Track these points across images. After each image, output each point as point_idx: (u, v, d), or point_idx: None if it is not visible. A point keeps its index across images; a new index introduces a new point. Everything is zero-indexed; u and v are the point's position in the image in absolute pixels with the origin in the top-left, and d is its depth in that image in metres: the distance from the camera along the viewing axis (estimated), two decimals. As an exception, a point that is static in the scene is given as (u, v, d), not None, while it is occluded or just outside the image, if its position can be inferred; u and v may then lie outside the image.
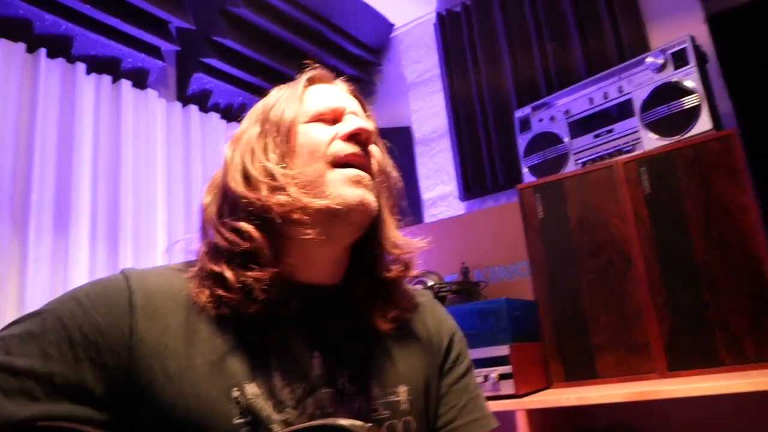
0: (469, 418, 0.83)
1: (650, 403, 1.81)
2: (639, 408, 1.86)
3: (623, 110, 1.88)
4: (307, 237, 0.71)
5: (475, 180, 2.58)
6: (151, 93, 2.24)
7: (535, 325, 1.86)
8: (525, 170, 2.09)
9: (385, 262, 0.81)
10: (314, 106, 0.79)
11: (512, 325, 1.74)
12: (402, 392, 0.77)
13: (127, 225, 2.01)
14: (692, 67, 1.75)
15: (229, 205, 0.75)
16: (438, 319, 0.89)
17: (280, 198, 0.71)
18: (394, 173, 0.85)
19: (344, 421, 0.59)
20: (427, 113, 2.86)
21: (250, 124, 0.80)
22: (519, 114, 2.16)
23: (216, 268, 0.70)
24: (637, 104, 1.85)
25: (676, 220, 1.67)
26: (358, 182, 0.74)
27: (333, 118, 0.79)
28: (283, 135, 0.75)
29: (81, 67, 2.01)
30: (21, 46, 1.86)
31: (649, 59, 1.84)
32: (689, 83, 1.74)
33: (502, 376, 1.64)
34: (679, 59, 1.79)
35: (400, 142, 2.79)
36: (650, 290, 1.68)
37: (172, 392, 0.64)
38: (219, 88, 2.48)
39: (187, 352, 0.66)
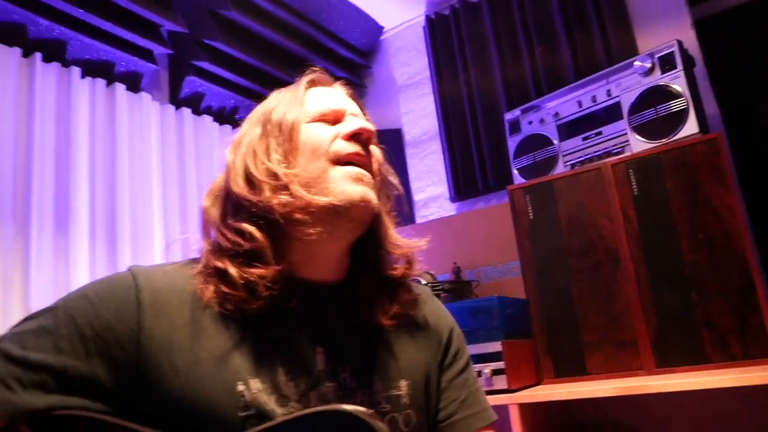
0: (469, 411, 0.85)
1: (638, 399, 1.86)
2: (628, 404, 1.90)
3: (611, 113, 1.93)
4: (309, 237, 0.74)
5: (465, 181, 2.61)
6: (144, 96, 2.24)
7: (526, 322, 1.90)
8: (515, 172, 2.13)
9: (388, 260, 0.84)
10: (316, 107, 0.81)
11: (504, 322, 1.78)
12: (403, 387, 0.79)
13: (124, 224, 2.02)
14: (679, 71, 1.80)
15: (231, 207, 0.77)
16: (437, 315, 0.91)
17: (282, 198, 0.72)
18: (392, 177, 0.87)
19: (348, 407, 0.61)
20: (418, 115, 2.89)
21: (250, 127, 0.82)
22: (509, 116, 2.20)
23: (220, 265, 0.72)
24: (625, 107, 1.89)
25: (663, 221, 1.72)
26: (359, 180, 0.76)
27: (334, 118, 0.81)
28: (285, 134, 0.77)
29: (75, 71, 2.01)
30: (17, 51, 1.87)
31: (637, 63, 1.88)
32: (676, 87, 1.79)
33: (495, 372, 1.68)
34: (666, 63, 1.83)
35: (390, 144, 2.82)
36: (638, 289, 1.73)
37: (179, 386, 0.66)
38: (211, 91, 2.49)
39: (193, 348, 0.69)
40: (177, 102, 2.41)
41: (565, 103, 2.06)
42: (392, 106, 2.98)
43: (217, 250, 0.75)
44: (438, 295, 2.07)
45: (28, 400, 0.63)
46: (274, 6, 2.49)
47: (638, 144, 1.84)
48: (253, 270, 0.71)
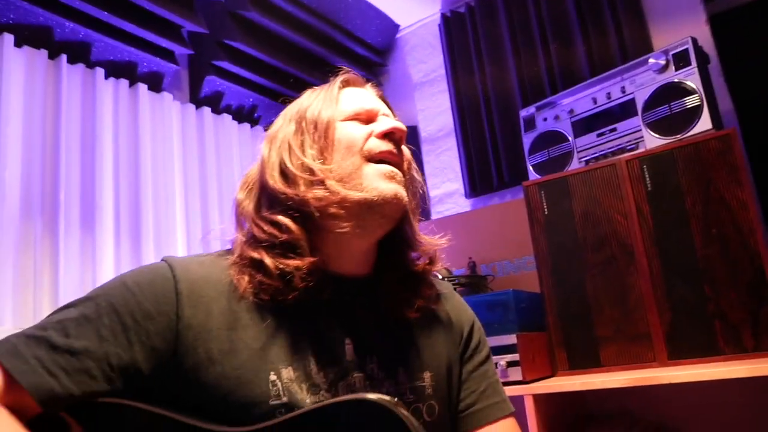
0: (489, 402, 0.88)
1: (652, 391, 1.89)
2: (641, 395, 1.93)
3: (626, 110, 1.94)
4: (342, 230, 0.76)
5: (480, 178, 2.64)
6: (166, 96, 2.30)
7: (541, 316, 1.93)
8: (530, 168, 2.15)
9: (412, 256, 0.87)
10: (350, 106, 0.83)
11: (519, 315, 1.81)
12: (426, 378, 0.82)
13: (147, 221, 2.08)
14: (693, 67, 1.81)
15: (266, 199, 0.80)
16: (458, 309, 0.95)
17: (318, 192, 0.75)
18: (417, 175, 0.90)
19: (373, 396, 0.63)
20: (433, 112, 2.93)
21: (285, 123, 0.85)
22: (524, 113, 2.22)
23: (256, 256, 0.75)
24: (639, 104, 1.91)
25: (676, 216, 1.73)
26: (392, 177, 0.79)
27: (367, 118, 0.84)
28: (320, 131, 0.80)
29: (100, 72, 2.07)
30: (43, 53, 1.93)
31: (651, 60, 1.90)
32: (690, 83, 1.80)
33: (510, 364, 1.71)
34: (680, 60, 1.84)
35: (406, 141, 2.85)
36: (651, 283, 1.75)
37: (215, 374, 0.69)
38: (230, 90, 2.54)
39: (229, 337, 0.72)
40: (197, 101, 2.46)
41: (580, 100, 2.07)
42: (408, 104, 3.01)
43: (253, 242, 0.78)
44: (454, 290, 2.11)
45: (71, 387, 0.65)
46: (292, 6, 2.54)
47: (652, 140, 1.86)
48: (289, 261, 0.74)
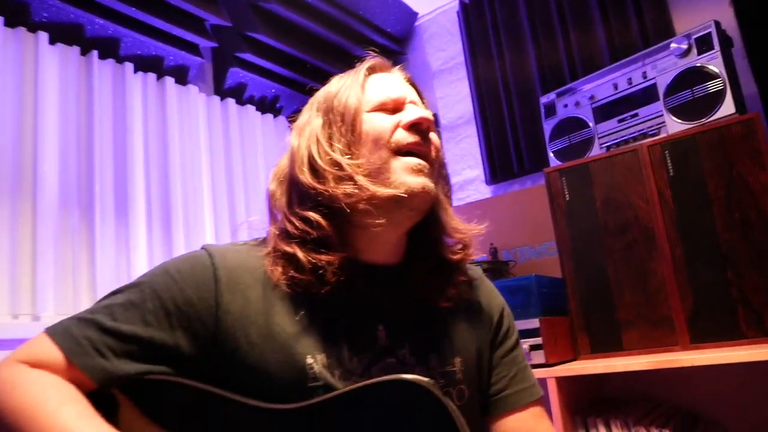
0: (518, 387, 0.89)
1: (673, 375, 1.91)
2: (662, 379, 1.95)
3: (647, 95, 1.95)
4: (371, 224, 0.77)
5: (501, 164, 2.66)
6: (192, 88, 2.35)
7: (563, 301, 1.95)
8: (550, 154, 2.17)
9: (447, 244, 0.87)
10: (376, 96, 0.83)
11: (542, 300, 1.84)
12: (457, 363, 0.83)
13: (177, 210, 2.14)
14: (716, 51, 1.81)
15: (297, 194, 0.81)
16: (489, 297, 0.96)
17: (347, 188, 0.76)
18: (445, 160, 0.90)
19: (408, 376, 0.64)
20: (453, 100, 2.94)
21: (313, 115, 0.84)
22: (544, 100, 2.24)
23: (289, 250, 0.77)
24: (661, 89, 1.91)
25: (699, 201, 1.75)
26: (419, 171, 0.79)
27: (394, 107, 0.83)
28: (348, 124, 0.80)
29: (129, 66, 2.13)
30: (75, 50, 1.99)
31: (673, 45, 1.90)
32: (713, 68, 1.80)
33: (533, 347, 1.75)
34: (703, 44, 1.84)
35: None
36: (673, 268, 1.77)
37: (254, 357, 0.72)
38: (253, 81, 2.59)
39: (266, 323, 0.74)
40: (221, 93, 2.51)
41: (601, 86, 2.08)
42: (427, 91, 3.03)
43: (286, 236, 0.79)
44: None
45: (120, 366, 0.70)
46: (311, -4, 2.57)
47: (674, 125, 1.86)
48: (321, 256, 0.76)
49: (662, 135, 1.88)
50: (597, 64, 2.33)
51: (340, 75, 0.88)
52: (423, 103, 0.89)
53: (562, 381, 1.71)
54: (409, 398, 0.64)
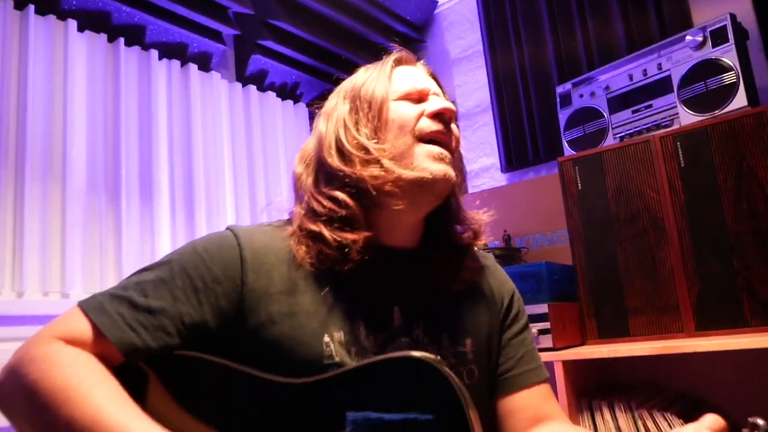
0: (525, 368, 0.93)
1: (678, 361, 1.95)
2: (668, 365, 1.99)
3: (662, 86, 1.96)
4: (396, 206, 0.81)
5: (516, 153, 2.69)
6: (214, 75, 2.42)
7: (572, 287, 1.99)
8: (565, 144, 2.19)
9: (459, 231, 0.92)
10: (402, 86, 0.87)
11: (551, 286, 1.89)
12: (468, 344, 0.87)
13: (200, 194, 2.23)
14: (731, 44, 1.82)
15: (324, 175, 0.85)
16: (499, 280, 1.00)
17: (373, 171, 0.80)
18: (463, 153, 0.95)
19: (417, 354, 0.67)
20: (470, 88, 2.97)
21: (340, 102, 0.88)
22: (560, 90, 2.26)
23: (315, 228, 0.81)
24: (675, 81, 1.93)
25: (708, 192, 1.77)
26: (441, 159, 0.83)
27: (419, 97, 0.87)
28: (375, 111, 0.84)
29: (154, 53, 2.20)
30: (103, 37, 2.06)
31: (689, 37, 1.91)
32: (727, 60, 1.81)
33: (542, 332, 1.80)
34: (718, 37, 1.85)
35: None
36: (682, 257, 1.80)
37: (276, 333, 0.76)
38: (275, 68, 2.65)
39: (288, 301, 0.78)
40: (243, 79, 2.58)
41: (616, 77, 2.10)
42: (445, 79, 3.04)
43: (312, 215, 0.83)
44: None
45: (149, 341, 0.73)
46: (332, -16, 2.61)
47: (687, 117, 1.88)
48: (347, 234, 0.79)
49: (675, 126, 1.90)
50: (614, 54, 2.34)
51: (366, 66, 0.92)
52: (444, 95, 0.92)
53: (568, 364, 1.77)
54: (418, 374, 0.67)
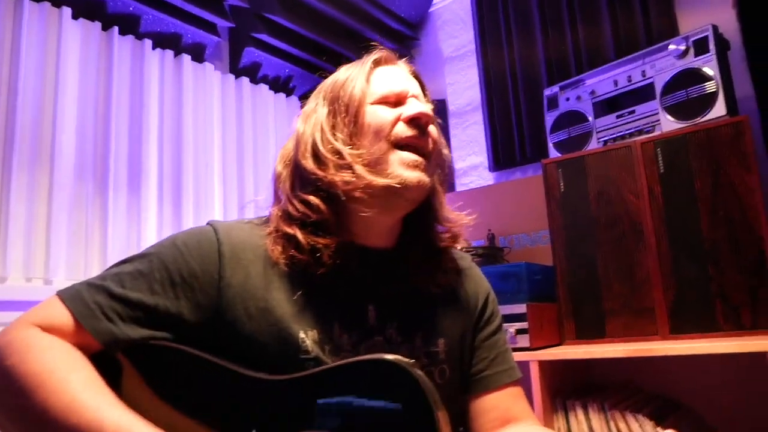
0: (497, 369, 0.95)
1: (654, 363, 1.99)
2: (644, 367, 2.04)
3: (645, 93, 2.00)
4: (365, 213, 0.82)
5: (504, 152, 2.72)
6: (207, 66, 2.44)
7: (552, 288, 2.03)
8: (550, 146, 2.23)
9: (438, 231, 0.93)
10: (380, 89, 0.87)
11: (530, 286, 1.93)
12: (440, 344, 0.89)
13: (188, 185, 2.24)
14: (712, 54, 1.86)
15: (300, 177, 0.86)
16: (476, 282, 1.01)
17: (345, 176, 0.80)
18: (446, 151, 0.94)
19: (390, 356, 0.68)
20: (462, 87, 3.00)
21: (319, 103, 0.89)
22: (548, 92, 2.29)
23: (289, 231, 0.82)
24: (658, 88, 1.96)
25: (686, 198, 1.81)
26: (415, 166, 0.83)
27: (396, 100, 0.87)
28: (351, 116, 0.84)
29: (147, 43, 2.22)
30: (97, 25, 2.08)
31: (672, 46, 1.94)
32: (708, 70, 1.85)
33: (519, 331, 1.84)
34: (700, 47, 1.89)
35: (435, 113, 2.94)
36: (659, 261, 1.84)
37: (251, 329, 0.78)
38: (268, 61, 2.66)
39: (264, 297, 0.80)
40: (236, 71, 2.60)
41: (602, 82, 2.13)
42: (438, 77, 3.08)
43: (287, 217, 0.84)
44: (472, 261, 2.23)
45: (126, 331, 0.75)
46: (328, -20, 2.63)
47: (668, 124, 1.92)
48: (319, 239, 0.81)
49: (656, 133, 1.94)
50: (602, 59, 2.37)
51: (348, 65, 0.92)
52: (425, 96, 0.93)
53: (544, 364, 1.80)
54: (390, 377, 0.68)
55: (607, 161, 1.98)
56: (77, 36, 2.01)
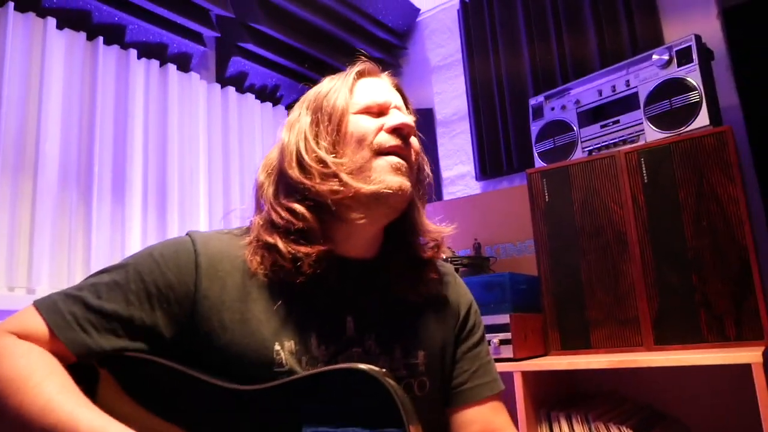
0: (478, 381, 0.94)
1: (638, 373, 1.99)
2: (628, 377, 2.03)
3: (629, 103, 2.01)
4: (354, 219, 0.82)
5: (491, 162, 2.73)
6: (193, 75, 2.43)
7: (537, 298, 2.03)
8: (536, 155, 2.23)
9: (420, 243, 0.92)
10: (363, 100, 0.88)
11: (515, 296, 1.92)
12: (420, 356, 0.88)
13: (173, 194, 2.23)
14: (695, 64, 1.86)
15: (284, 186, 0.85)
16: (458, 293, 1.00)
17: (332, 185, 0.80)
18: (427, 168, 0.94)
19: (363, 366, 0.68)
20: (449, 96, 3.00)
21: (303, 113, 0.89)
22: (533, 102, 2.30)
23: (270, 240, 0.82)
24: (642, 98, 1.97)
25: (670, 208, 1.81)
26: (398, 170, 0.84)
27: (379, 111, 0.88)
28: (334, 125, 0.84)
29: (133, 53, 2.21)
30: (82, 35, 2.07)
31: (655, 56, 1.95)
32: (691, 80, 1.86)
33: (503, 342, 1.83)
34: (683, 57, 1.90)
35: (422, 123, 2.93)
36: (643, 271, 1.84)
37: (226, 340, 0.78)
38: (254, 71, 2.66)
39: (240, 309, 0.79)
40: (222, 81, 2.59)
41: (587, 91, 2.14)
42: (425, 87, 3.09)
43: (269, 226, 0.84)
44: (456, 270, 2.22)
45: (100, 342, 0.75)
46: (315, -10, 2.63)
47: (652, 134, 1.93)
48: (301, 248, 0.80)
49: (640, 143, 1.95)
50: (588, 68, 2.39)
51: (331, 76, 0.93)
52: (408, 108, 0.94)
53: (528, 375, 1.80)
54: (363, 386, 0.68)
55: (592, 171, 1.98)
56: (62, 46, 2.01)
